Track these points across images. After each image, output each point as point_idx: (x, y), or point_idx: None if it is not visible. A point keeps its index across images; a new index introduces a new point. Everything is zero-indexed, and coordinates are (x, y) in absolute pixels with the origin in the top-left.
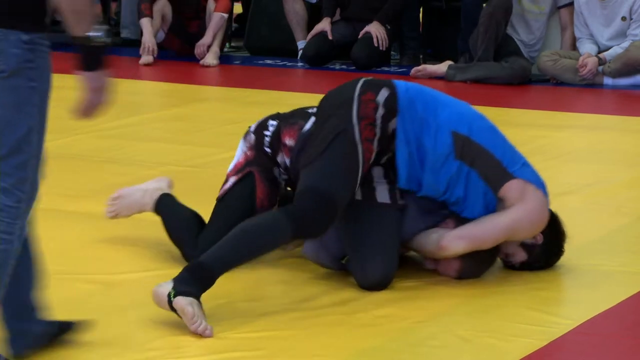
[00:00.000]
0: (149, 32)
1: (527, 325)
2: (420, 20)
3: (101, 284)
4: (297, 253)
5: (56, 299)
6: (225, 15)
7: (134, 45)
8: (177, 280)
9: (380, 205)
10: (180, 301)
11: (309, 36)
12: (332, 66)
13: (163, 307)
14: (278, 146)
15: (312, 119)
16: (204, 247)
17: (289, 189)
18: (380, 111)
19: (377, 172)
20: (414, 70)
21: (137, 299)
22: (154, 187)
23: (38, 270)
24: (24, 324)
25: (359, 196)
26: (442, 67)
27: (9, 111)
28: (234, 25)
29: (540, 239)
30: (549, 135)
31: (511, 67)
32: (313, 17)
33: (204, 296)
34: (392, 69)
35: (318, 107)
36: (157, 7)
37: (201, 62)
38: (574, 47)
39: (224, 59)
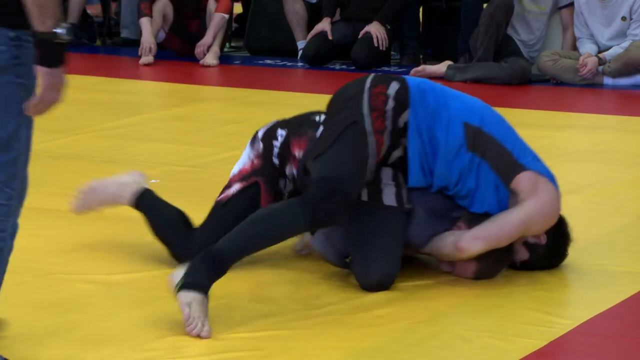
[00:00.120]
0: (148, 31)
1: (527, 325)
2: (420, 20)
3: (101, 284)
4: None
5: (56, 299)
6: (226, 16)
7: (134, 45)
8: (188, 269)
9: (385, 207)
10: (181, 298)
11: (309, 36)
12: (332, 66)
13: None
14: (287, 157)
15: (321, 128)
16: (196, 248)
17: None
18: (391, 103)
19: (386, 173)
20: (413, 71)
21: (137, 299)
22: (130, 180)
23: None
24: None
25: (365, 197)
26: (442, 67)
27: None
28: (234, 25)
29: (543, 240)
30: (549, 135)
31: (511, 68)
32: (313, 17)
33: None
34: (392, 69)
35: (328, 105)
36: (158, 7)
37: (201, 62)
38: (575, 47)
39: (224, 59)
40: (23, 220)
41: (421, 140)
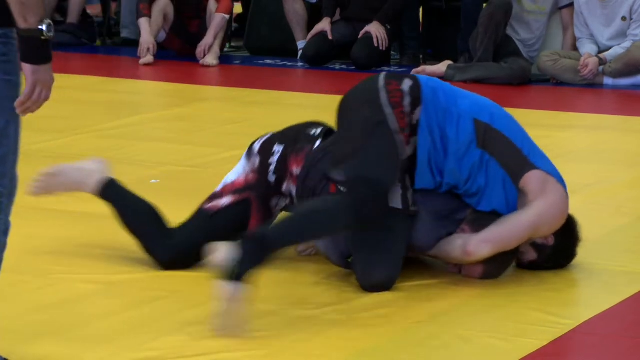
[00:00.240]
0: (147, 32)
1: (527, 325)
2: (420, 20)
3: (101, 284)
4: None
5: (56, 299)
6: (227, 17)
7: (134, 45)
8: (237, 258)
9: (390, 209)
10: (225, 287)
11: (309, 36)
12: (332, 66)
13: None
14: (284, 174)
15: (318, 142)
16: (174, 250)
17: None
18: (407, 99)
19: None
20: (413, 71)
21: (137, 299)
22: (94, 168)
23: None
24: None
25: None
26: (442, 67)
27: None
28: (234, 25)
29: (551, 241)
30: (550, 135)
31: (511, 68)
32: (313, 17)
33: (203, 296)
34: (392, 69)
35: (341, 107)
36: (159, 7)
37: (201, 62)
38: (575, 47)
39: (224, 59)
40: (23, 220)
41: (432, 138)
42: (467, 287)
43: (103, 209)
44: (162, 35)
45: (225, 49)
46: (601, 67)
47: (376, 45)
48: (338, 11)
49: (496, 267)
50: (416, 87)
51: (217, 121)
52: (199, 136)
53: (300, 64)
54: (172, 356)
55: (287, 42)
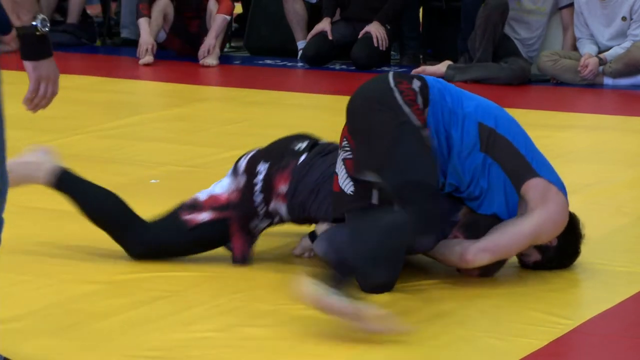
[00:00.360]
0: (147, 32)
1: (527, 325)
2: (420, 20)
3: (101, 284)
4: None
5: (57, 300)
6: (228, 18)
7: (134, 45)
8: (333, 281)
9: (395, 212)
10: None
11: (309, 36)
12: (332, 66)
13: (322, 309)
14: (271, 194)
15: (303, 157)
16: (145, 246)
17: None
18: (419, 98)
19: None
20: (413, 72)
21: (137, 299)
22: (41, 159)
23: None
24: None
25: (376, 201)
26: (442, 68)
27: None
28: (234, 25)
29: (554, 242)
30: (550, 135)
31: (511, 68)
32: (313, 17)
33: (203, 296)
34: (392, 69)
35: (350, 112)
36: (159, 7)
37: (201, 62)
38: (575, 47)
39: (224, 59)
40: (24, 220)
41: (437, 138)
42: (467, 288)
43: None
44: (162, 35)
45: (225, 49)
46: (601, 67)
47: (376, 45)
48: (338, 11)
49: (495, 265)
50: (425, 87)
51: (217, 121)
52: (199, 136)
53: (300, 64)
54: (172, 356)
55: (287, 42)
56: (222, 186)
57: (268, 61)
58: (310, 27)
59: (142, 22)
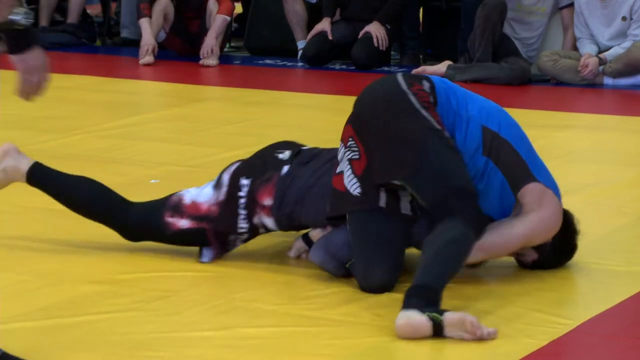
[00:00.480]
0: (148, 32)
1: (527, 325)
2: (420, 20)
3: (102, 284)
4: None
5: (57, 300)
6: (228, 18)
7: (134, 45)
8: (419, 306)
9: (400, 215)
10: (453, 314)
11: (309, 36)
12: (332, 66)
13: (422, 334)
14: (254, 208)
15: (285, 168)
16: (129, 234)
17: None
18: (431, 99)
19: None
20: (413, 72)
21: (137, 299)
22: (13, 161)
23: None
24: None
25: (383, 204)
26: (442, 68)
27: None
28: (234, 25)
29: (550, 239)
30: (550, 135)
31: (511, 68)
32: (313, 17)
33: (203, 296)
34: (392, 69)
35: (362, 119)
36: (159, 7)
37: (201, 62)
38: (575, 47)
39: (224, 59)
40: (24, 220)
41: None
42: (467, 288)
43: None
44: (162, 35)
45: (225, 49)
46: (601, 67)
47: (376, 45)
48: (338, 11)
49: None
50: (432, 88)
51: (217, 121)
52: (199, 136)
53: (300, 64)
54: (172, 356)
55: (287, 42)
56: (205, 195)
57: (268, 61)
58: (310, 27)
59: (144, 22)
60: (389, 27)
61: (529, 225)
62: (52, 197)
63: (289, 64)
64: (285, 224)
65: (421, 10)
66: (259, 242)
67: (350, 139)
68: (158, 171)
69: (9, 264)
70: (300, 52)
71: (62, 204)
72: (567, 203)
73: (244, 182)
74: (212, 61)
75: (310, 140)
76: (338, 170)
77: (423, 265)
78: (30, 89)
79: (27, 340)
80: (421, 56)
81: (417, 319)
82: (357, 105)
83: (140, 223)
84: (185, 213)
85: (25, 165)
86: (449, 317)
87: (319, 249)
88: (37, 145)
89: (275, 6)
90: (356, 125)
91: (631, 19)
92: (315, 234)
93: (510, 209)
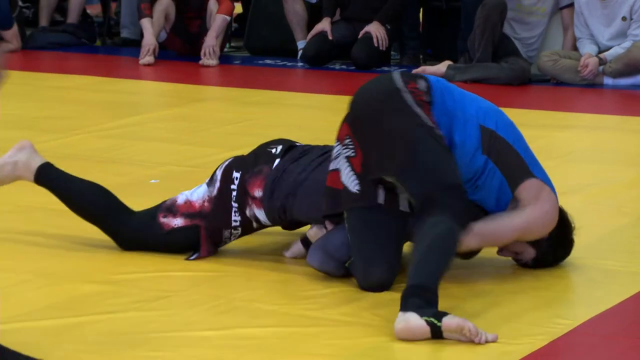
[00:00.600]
0: (150, 32)
1: (527, 325)
2: (420, 20)
3: (102, 284)
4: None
5: (57, 300)
6: (228, 18)
7: (134, 45)
8: (417, 308)
9: (398, 212)
10: (451, 320)
11: (309, 36)
12: (332, 66)
13: (421, 338)
14: (245, 200)
15: (277, 161)
16: (126, 242)
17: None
18: (427, 98)
19: None
20: (413, 72)
21: (137, 299)
22: (24, 156)
23: None
24: None
25: (381, 200)
26: (442, 68)
27: None
28: (234, 25)
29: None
30: (550, 135)
31: (511, 68)
32: (313, 17)
33: (203, 296)
34: (392, 69)
35: (358, 116)
36: (161, 7)
37: (201, 62)
38: (575, 47)
39: (224, 59)
40: (24, 220)
41: None
42: (466, 287)
43: None
44: (163, 35)
45: (225, 49)
46: (601, 67)
47: (376, 45)
48: (338, 11)
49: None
50: (428, 87)
51: (217, 121)
52: (199, 136)
53: (300, 64)
54: (172, 356)
55: (287, 42)
56: (198, 193)
57: (268, 61)
58: (310, 27)
59: (145, 22)
60: (389, 27)
61: (526, 218)
62: (57, 197)
63: (289, 64)
64: (278, 216)
65: (421, 10)
66: (259, 242)
67: (347, 138)
68: (158, 171)
69: (9, 264)
70: (300, 52)
71: (66, 206)
72: (567, 203)
73: (235, 175)
74: (212, 61)
75: (311, 140)
76: (333, 167)
77: (416, 262)
78: None
79: (27, 340)
80: (421, 56)
81: (416, 323)
82: (352, 103)
83: (135, 229)
84: (179, 212)
85: (36, 163)
86: (447, 323)
87: (317, 251)
88: (37, 145)
89: (275, 6)
90: (352, 123)
91: (631, 19)
92: (313, 233)
93: (507, 206)
